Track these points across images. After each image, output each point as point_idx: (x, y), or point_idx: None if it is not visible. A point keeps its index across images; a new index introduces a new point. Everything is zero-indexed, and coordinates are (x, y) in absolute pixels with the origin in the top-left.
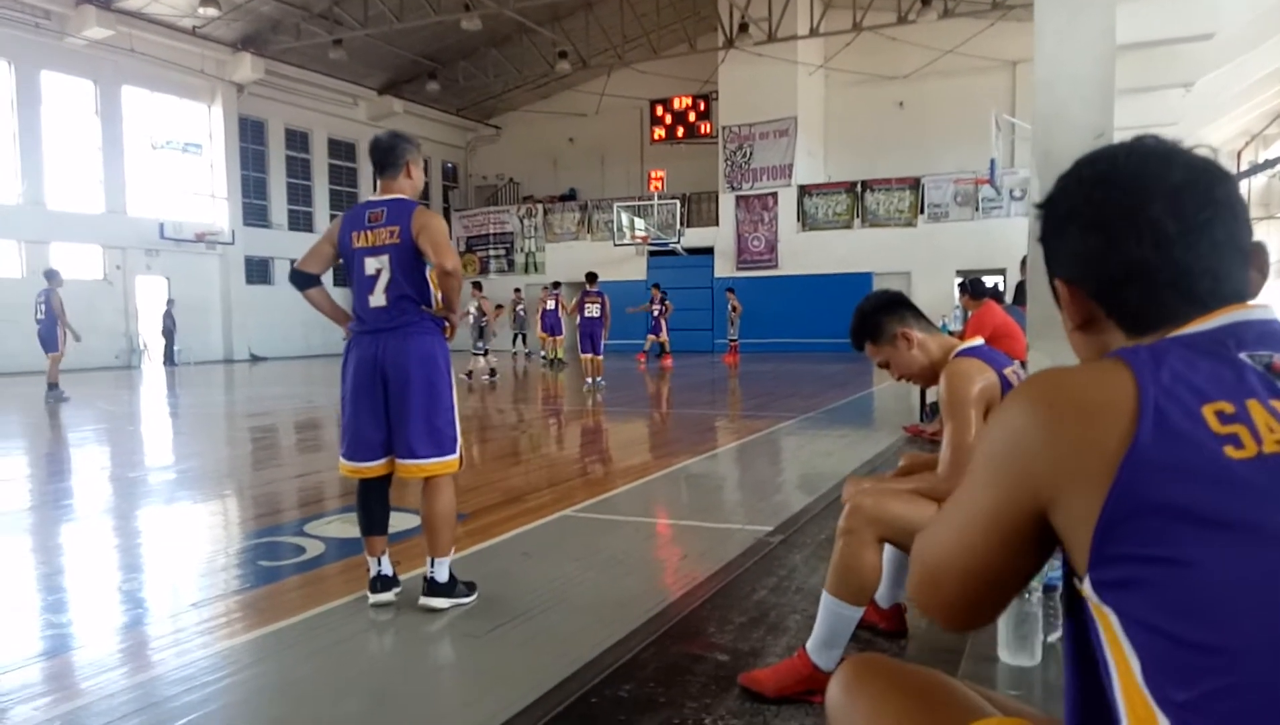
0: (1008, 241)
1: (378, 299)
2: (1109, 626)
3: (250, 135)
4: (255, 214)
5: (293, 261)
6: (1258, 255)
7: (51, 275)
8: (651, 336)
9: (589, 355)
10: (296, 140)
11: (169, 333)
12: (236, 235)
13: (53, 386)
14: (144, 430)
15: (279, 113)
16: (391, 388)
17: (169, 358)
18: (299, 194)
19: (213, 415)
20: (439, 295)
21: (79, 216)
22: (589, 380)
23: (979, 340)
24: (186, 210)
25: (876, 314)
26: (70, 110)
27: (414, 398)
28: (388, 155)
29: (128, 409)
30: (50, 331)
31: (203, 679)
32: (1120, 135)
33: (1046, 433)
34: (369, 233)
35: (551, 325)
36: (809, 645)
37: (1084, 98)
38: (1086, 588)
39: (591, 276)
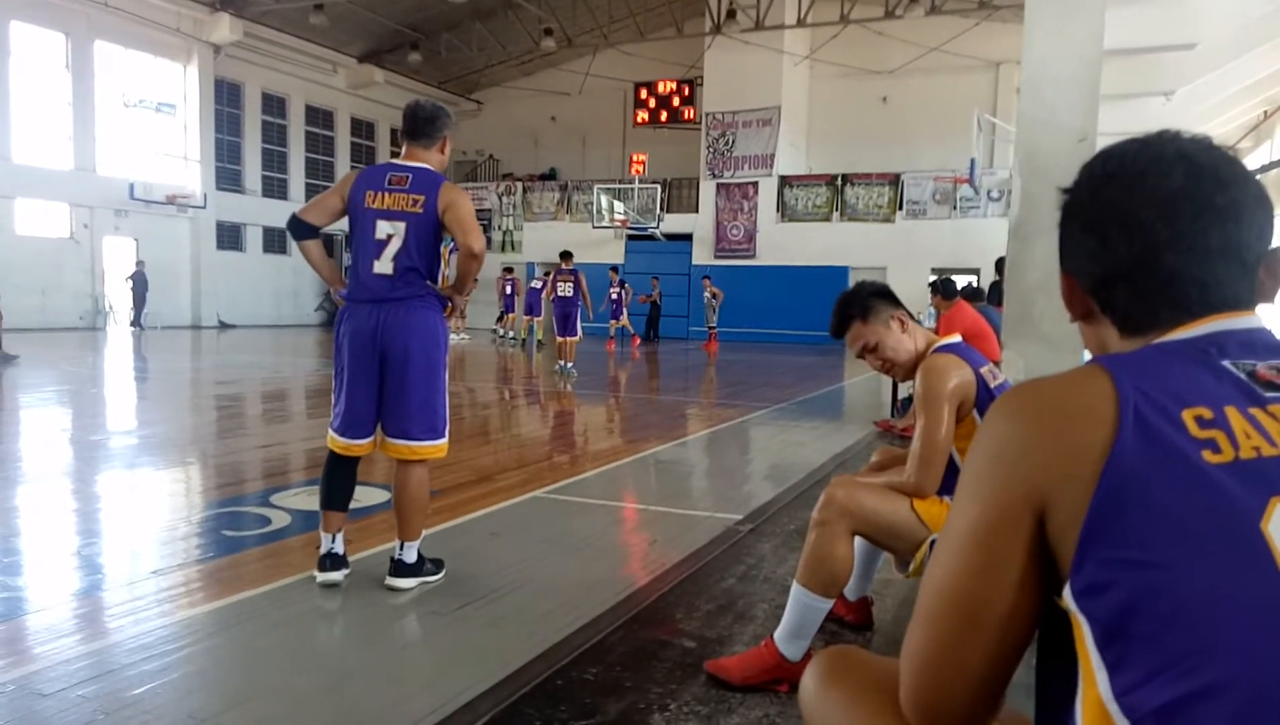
0: (984, 241)
1: (383, 266)
2: (1080, 637)
3: (226, 98)
4: (228, 178)
5: (287, 217)
6: (1273, 260)
7: None
8: (613, 321)
9: (561, 338)
10: (273, 105)
11: (139, 295)
12: (209, 199)
13: None
14: (107, 393)
15: (256, 76)
16: (390, 363)
17: (136, 321)
18: (274, 160)
19: (179, 381)
20: (446, 272)
21: (46, 172)
22: (560, 363)
23: (956, 337)
24: (158, 171)
25: (869, 296)
26: (40, 63)
27: (413, 376)
28: (428, 124)
29: (91, 371)
30: None
31: (161, 648)
32: (1103, 140)
33: (1032, 440)
34: (387, 195)
35: (531, 305)
36: (777, 635)
37: (1069, 101)
38: (1066, 596)
39: (565, 255)
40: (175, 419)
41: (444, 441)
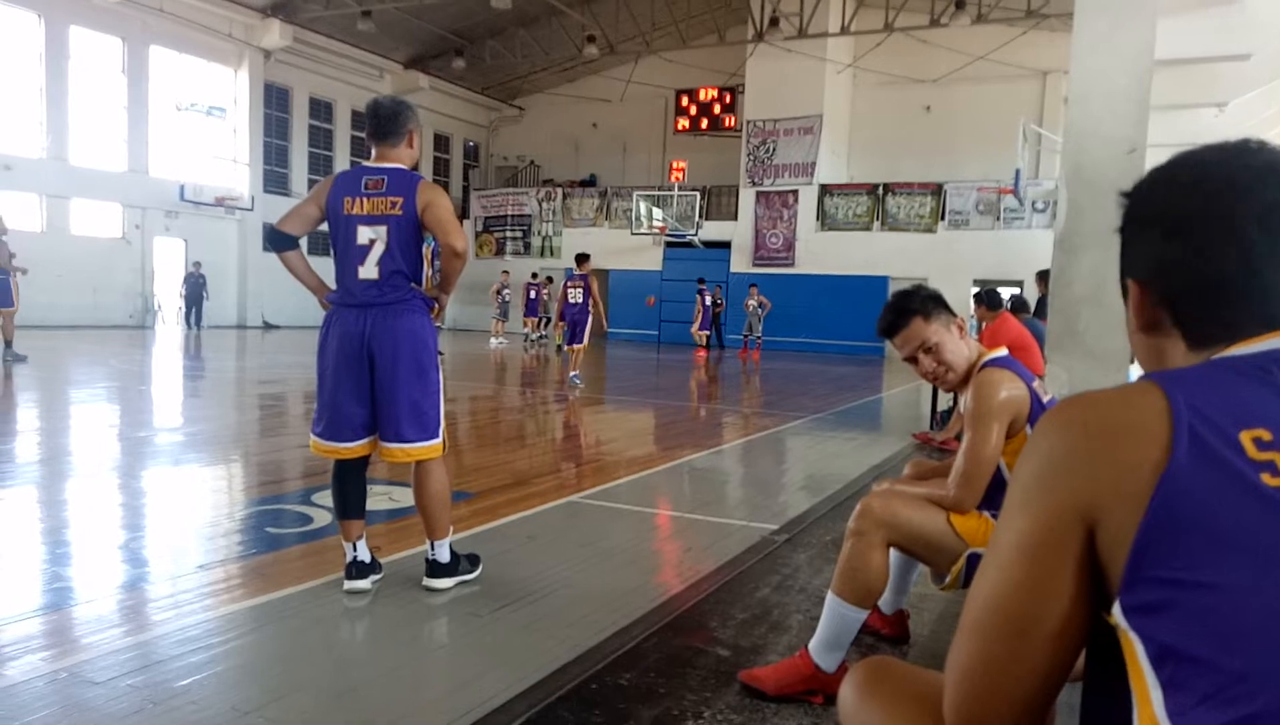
0: (1028, 253)
1: (368, 271)
2: (1133, 655)
3: (275, 102)
4: (275, 181)
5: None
6: None
7: None
8: (704, 332)
9: (568, 346)
10: (320, 110)
11: (195, 295)
12: (256, 201)
13: (8, 344)
14: (154, 391)
15: (304, 81)
16: (379, 366)
17: (194, 321)
18: (320, 164)
19: (224, 380)
20: (429, 272)
21: (101, 174)
22: (571, 374)
23: (1004, 351)
24: (207, 174)
25: (930, 298)
26: (97, 67)
27: (402, 378)
28: (390, 122)
29: (139, 369)
30: (5, 285)
31: (206, 641)
32: (1153, 152)
33: (1081, 454)
34: (365, 200)
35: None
36: (811, 645)
37: (1118, 112)
38: (1116, 613)
39: (580, 258)
40: (220, 417)
41: (438, 441)
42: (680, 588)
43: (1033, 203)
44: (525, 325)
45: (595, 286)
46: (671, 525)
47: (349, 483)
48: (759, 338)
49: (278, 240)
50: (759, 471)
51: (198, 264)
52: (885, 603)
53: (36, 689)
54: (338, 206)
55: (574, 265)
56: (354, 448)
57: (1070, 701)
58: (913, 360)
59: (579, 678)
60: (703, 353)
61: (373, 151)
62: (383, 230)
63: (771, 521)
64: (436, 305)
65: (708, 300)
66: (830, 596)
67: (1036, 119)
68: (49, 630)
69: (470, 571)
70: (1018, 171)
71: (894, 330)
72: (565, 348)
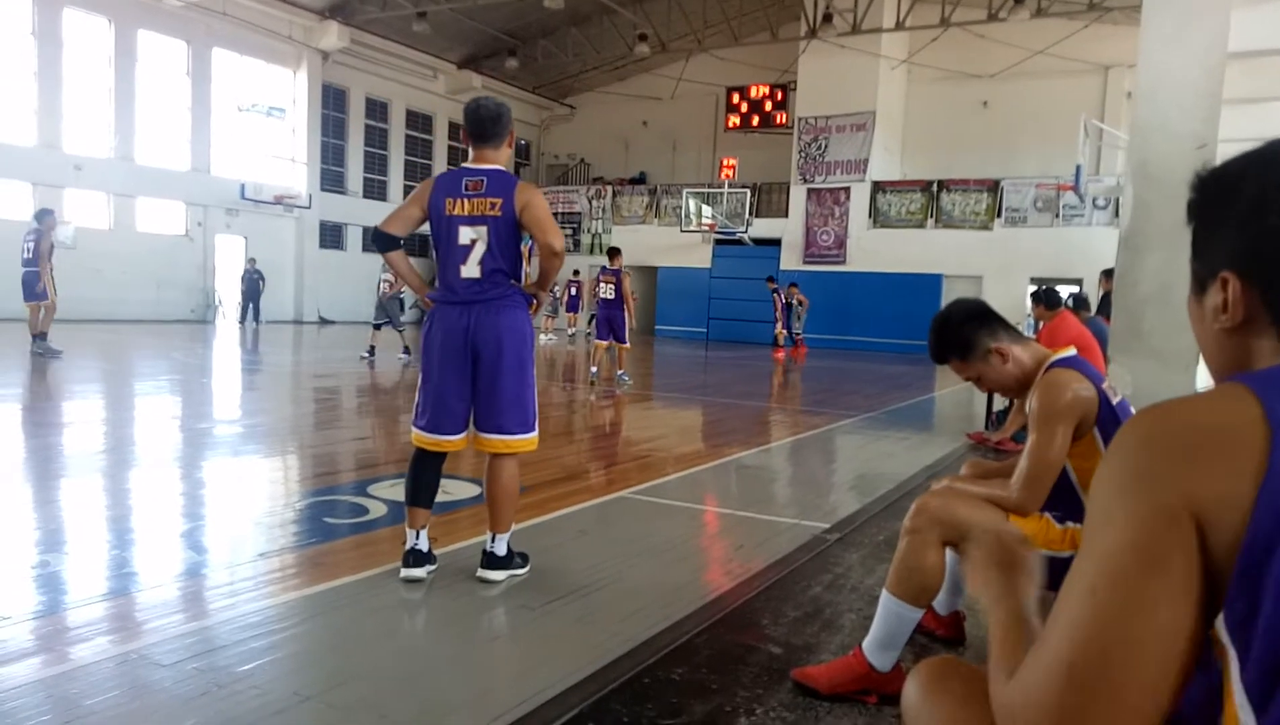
0: (1087, 251)
1: (470, 270)
2: (1228, 672)
3: (332, 102)
4: (332, 180)
5: (368, 227)
6: None
7: (43, 216)
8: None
9: (605, 342)
10: (376, 110)
11: (253, 292)
12: (313, 200)
13: (41, 336)
14: (214, 384)
15: (361, 82)
16: (483, 362)
17: (252, 316)
18: (375, 163)
19: (281, 374)
20: (527, 271)
21: (165, 172)
22: (594, 370)
23: (1072, 350)
24: (267, 173)
25: (965, 327)
26: (163, 70)
27: (505, 372)
28: (493, 124)
29: (200, 362)
30: (35, 277)
31: (267, 627)
32: (1224, 148)
33: (1176, 462)
34: (466, 201)
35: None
36: (865, 644)
37: (1187, 106)
38: (1219, 625)
39: (612, 252)
40: (277, 410)
41: (535, 434)
42: (731, 584)
43: (1094, 200)
44: (569, 322)
45: (628, 283)
46: (721, 522)
47: (427, 473)
48: (798, 335)
49: (382, 241)
50: (809, 470)
51: (253, 261)
52: (940, 603)
53: (108, 670)
54: (439, 207)
55: (607, 259)
56: (455, 441)
57: None
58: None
59: (631, 671)
60: (780, 352)
61: (471, 152)
62: (483, 230)
63: (822, 520)
64: (535, 301)
65: (784, 298)
66: (885, 594)
67: (1098, 114)
68: (118, 614)
69: (521, 567)
70: (1078, 168)
71: (938, 362)
72: (596, 343)
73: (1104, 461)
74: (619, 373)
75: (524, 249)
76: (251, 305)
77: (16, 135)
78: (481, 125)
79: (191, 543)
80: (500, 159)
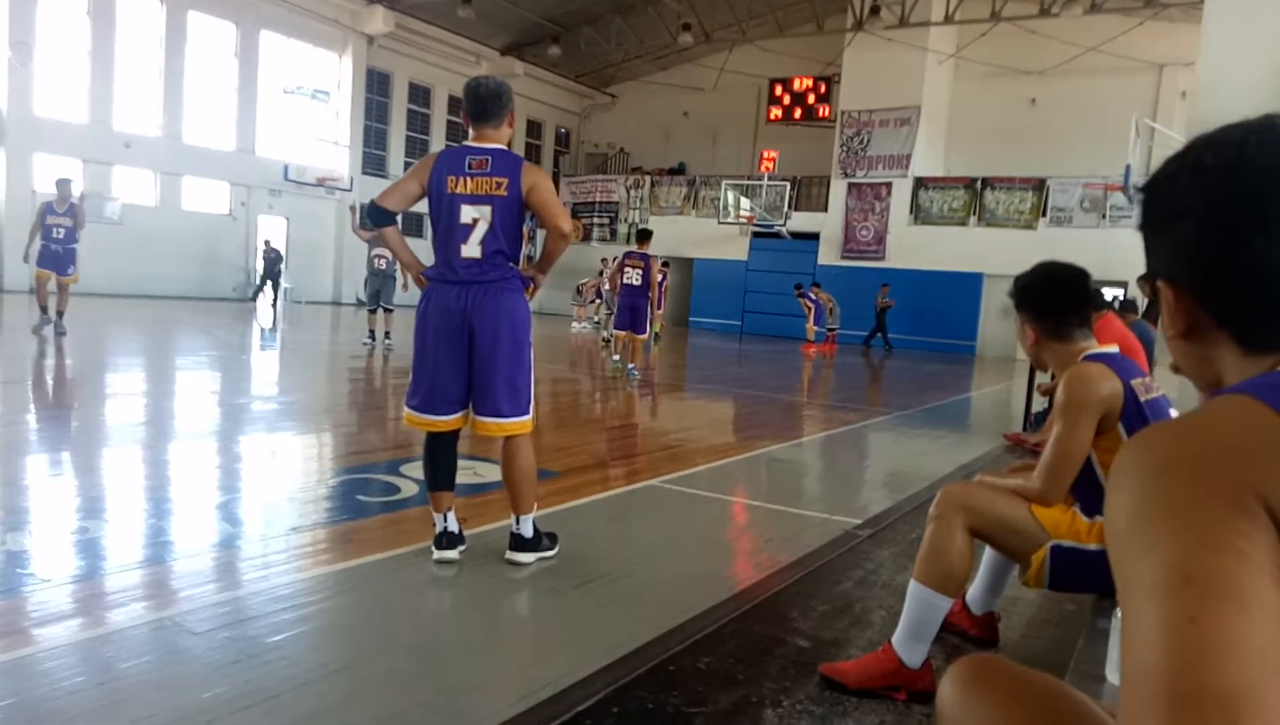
0: (1135, 253)
1: (471, 250)
2: None
3: (376, 87)
4: (373, 163)
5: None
6: None
7: (65, 184)
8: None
9: (625, 332)
10: (419, 95)
11: (271, 271)
12: (354, 182)
13: (60, 315)
14: (253, 361)
15: (404, 67)
16: (479, 343)
17: (271, 295)
18: (416, 147)
19: (317, 353)
20: (527, 252)
21: (211, 152)
22: (615, 358)
23: (1113, 347)
24: (310, 155)
25: (1062, 309)
26: (212, 51)
27: (501, 355)
28: (494, 103)
29: (240, 340)
30: (73, 253)
31: (298, 599)
32: None
33: (1236, 458)
34: (469, 180)
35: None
36: (895, 638)
37: (1251, 106)
38: None
39: (642, 234)
40: (313, 388)
41: (529, 417)
42: (760, 576)
43: None
44: (596, 310)
45: (656, 268)
46: (750, 514)
47: (441, 455)
48: (831, 331)
49: (378, 215)
50: (841, 466)
51: (268, 241)
52: (975, 602)
53: (143, 635)
54: (441, 185)
55: (636, 242)
56: (448, 421)
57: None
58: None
59: (657, 658)
60: (811, 348)
61: (470, 132)
62: (487, 210)
63: (854, 516)
64: (532, 284)
65: (811, 296)
66: (912, 583)
67: (1150, 113)
68: (154, 581)
69: (550, 549)
70: (1128, 168)
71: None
72: (616, 334)
73: (1113, 500)
74: (629, 366)
75: (525, 231)
76: (270, 284)
77: (70, 112)
78: (482, 104)
79: (226, 515)
80: (501, 138)
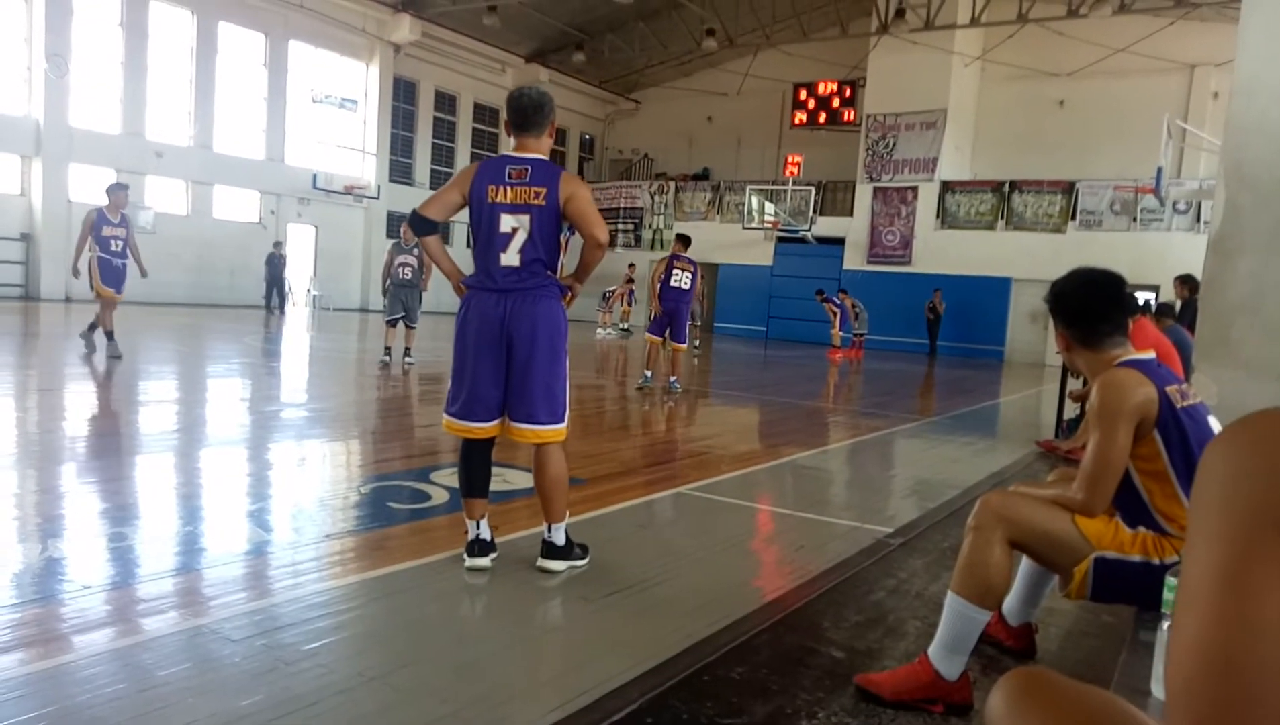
0: (1166, 256)
1: (510, 258)
2: None
3: (402, 95)
4: (400, 171)
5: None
6: None
7: (120, 191)
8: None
9: (661, 337)
10: (445, 103)
11: (276, 277)
12: (381, 190)
13: (110, 336)
14: (282, 368)
15: (430, 75)
16: (517, 350)
17: (278, 302)
18: (442, 155)
19: (346, 360)
20: (564, 261)
21: (241, 161)
22: (647, 374)
23: (1150, 353)
24: (338, 163)
25: (1094, 317)
26: (242, 61)
27: (538, 363)
28: (536, 113)
29: (270, 347)
30: (123, 268)
31: (333, 607)
32: None
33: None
34: (509, 189)
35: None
36: (931, 650)
37: None
38: None
39: (683, 238)
40: (342, 395)
41: (564, 425)
42: (791, 585)
43: (1174, 203)
44: (623, 316)
45: (700, 277)
46: (779, 522)
47: (477, 462)
48: (859, 335)
49: (420, 225)
50: (869, 473)
51: (278, 244)
52: (1012, 613)
53: (180, 642)
54: (481, 194)
55: (678, 245)
56: (486, 428)
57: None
58: None
59: (691, 668)
60: (838, 354)
61: (512, 141)
62: (525, 219)
63: (884, 524)
64: (570, 293)
65: (836, 301)
66: (950, 595)
67: (1181, 115)
68: (190, 588)
69: (581, 558)
70: (1159, 170)
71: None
72: (651, 339)
73: (1200, 477)
74: (670, 378)
75: (562, 240)
76: (275, 290)
77: (104, 123)
78: (524, 114)
79: (259, 523)
80: (542, 148)
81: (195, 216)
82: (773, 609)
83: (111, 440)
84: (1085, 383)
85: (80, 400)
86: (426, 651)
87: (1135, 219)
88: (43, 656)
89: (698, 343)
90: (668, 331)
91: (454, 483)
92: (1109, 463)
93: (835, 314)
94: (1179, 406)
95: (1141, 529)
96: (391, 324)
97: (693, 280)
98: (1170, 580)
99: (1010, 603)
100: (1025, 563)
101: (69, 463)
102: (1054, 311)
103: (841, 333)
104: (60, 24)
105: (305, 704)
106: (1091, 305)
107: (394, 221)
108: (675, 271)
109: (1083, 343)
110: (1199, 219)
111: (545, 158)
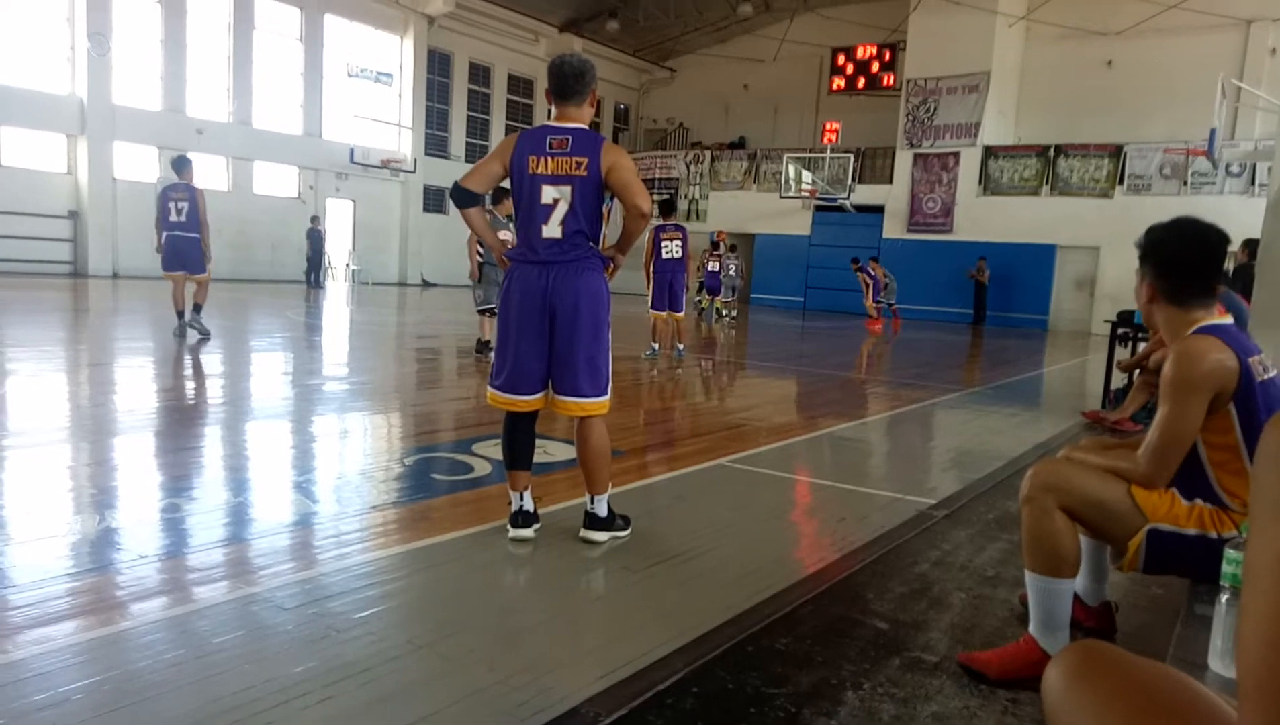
0: (1219, 220)
1: (552, 230)
2: None
3: (437, 68)
4: (436, 144)
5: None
6: None
7: (184, 165)
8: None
9: (664, 312)
10: (479, 74)
11: (316, 252)
12: (418, 164)
13: (198, 308)
14: (324, 342)
15: (465, 46)
16: (559, 323)
17: (311, 280)
18: (477, 127)
19: (387, 334)
20: (606, 232)
21: (280, 136)
22: (654, 346)
23: (1228, 319)
24: (374, 137)
25: (1181, 249)
26: (277, 36)
27: (582, 335)
28: (577, 81)
29: (312, 321)
30: (194, 245)
31: (381, 576)
32: None
33: None
34: (550, 160)
35: (712, 287)
36: (1032, 629)
37: None
38: None
39: (667, 205)
40: (384, 368)
41: (608, 397)
42: (834, 557)
43: (1227, 165)
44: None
45: (688, 241)
46: (820, 494)
47: (520, 434)
48: (894, 306)
49: (462, 197)
50: (910, 445)
51: (315, 218)
52: (1085, 592)
53: (235, 609)
54: (522, 165)
55: (661, 213)
56: (531, 401)
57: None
58: None
59: (735, 639)
60: (878, 324)
61: (553, 110)
62: (567, 190)
63: (927, 496)
64: (613, 264)
65: (870, 271)
66: (1027, 575)
67: (1237, 73)
68: (243, 558)
69: (623, 529)
70: (1213, 131)
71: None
72: (655, 315)
73: (1261, 454)
74: (677, 346)
75: (604, 210)
76: (314, 268)
77: (145, 100)
78: (565, 82)
79: (307, 494)
80: (583, 117)
81: (236, 192)
82: (816, 580)
83: (163, 414)
84: (1133, 352)
85: (131, 375)
86: (473, 621)
87: (1186, 182)
88: (104, 623)
89: (735, 313)
90: (669, 303)
91: (496, 454)
92: (1178, 436)
93: (868, 284)
94: (1259, 379)
95: (1199, 502)
96: (484, 313)
97: (683, 246)
98: (1230, 553)
99: (1079, 583)
100: (1084, 538)
101: (125, 435)
102: (1146, 258)
103: (876, 302)
104: (101, 3)
105: (357, 670)
106: (1191, 259)
107: (430, 195)
108: (664, 243)
109: (1170, 298)
110: (1254, 181)
111: (586, 127)
